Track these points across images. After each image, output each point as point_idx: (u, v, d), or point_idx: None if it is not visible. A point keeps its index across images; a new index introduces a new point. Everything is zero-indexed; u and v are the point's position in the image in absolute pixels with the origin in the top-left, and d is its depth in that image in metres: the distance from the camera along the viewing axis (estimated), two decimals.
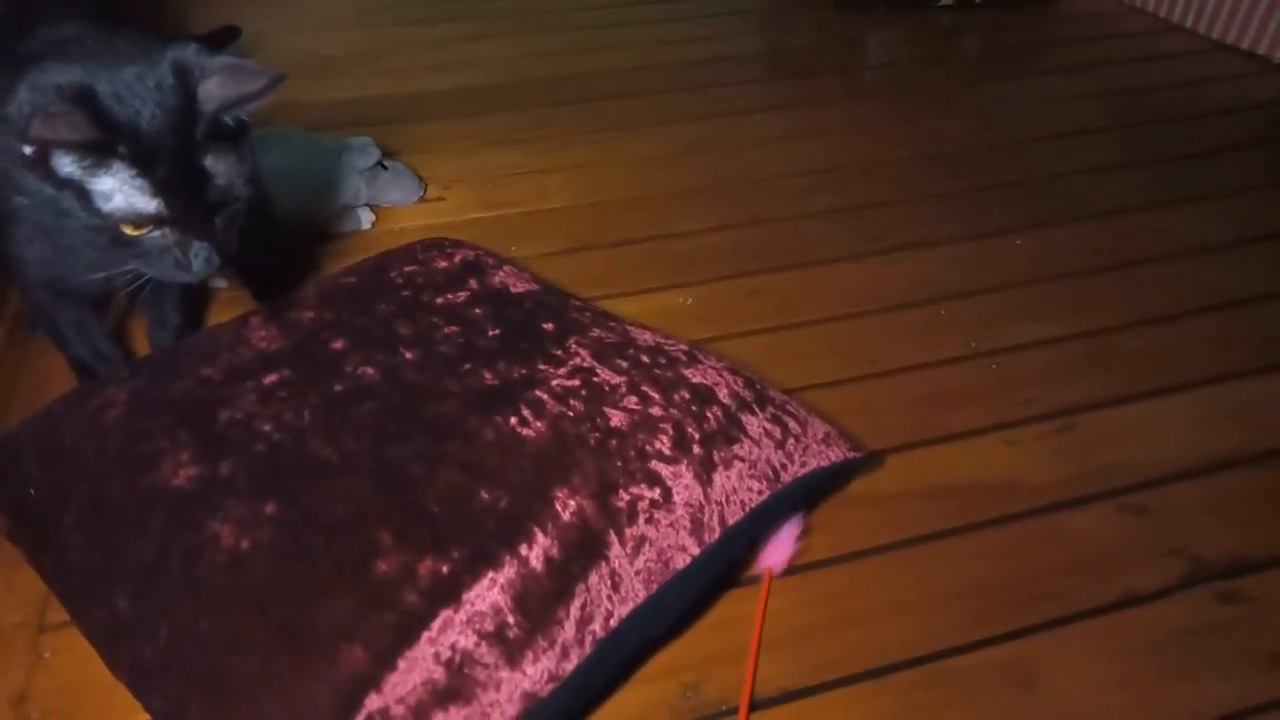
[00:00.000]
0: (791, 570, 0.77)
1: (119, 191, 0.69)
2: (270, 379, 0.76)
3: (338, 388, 0.75)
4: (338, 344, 0.80)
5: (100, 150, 0.68)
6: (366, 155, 1.19)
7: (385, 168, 1.22)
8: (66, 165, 0.69)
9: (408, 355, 0.78)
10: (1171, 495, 0.84)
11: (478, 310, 0.84)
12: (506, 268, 0.92)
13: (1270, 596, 0.75)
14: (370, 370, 0.76)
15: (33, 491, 0.72)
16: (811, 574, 0.77)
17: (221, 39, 0.82)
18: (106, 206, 0.69)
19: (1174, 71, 1.65)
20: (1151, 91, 1.59)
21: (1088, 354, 1.00)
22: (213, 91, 0.71)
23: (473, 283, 0.87)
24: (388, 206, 1.25)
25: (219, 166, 0.72)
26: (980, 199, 1.29)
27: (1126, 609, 0.74)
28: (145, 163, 0.69)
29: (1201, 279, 1.12)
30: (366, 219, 1.21)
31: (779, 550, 0.76)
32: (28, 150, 0.68)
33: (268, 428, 0.72)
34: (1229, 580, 0.76)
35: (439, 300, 0.85)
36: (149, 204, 0.70)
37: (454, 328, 0.81)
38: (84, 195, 0.69)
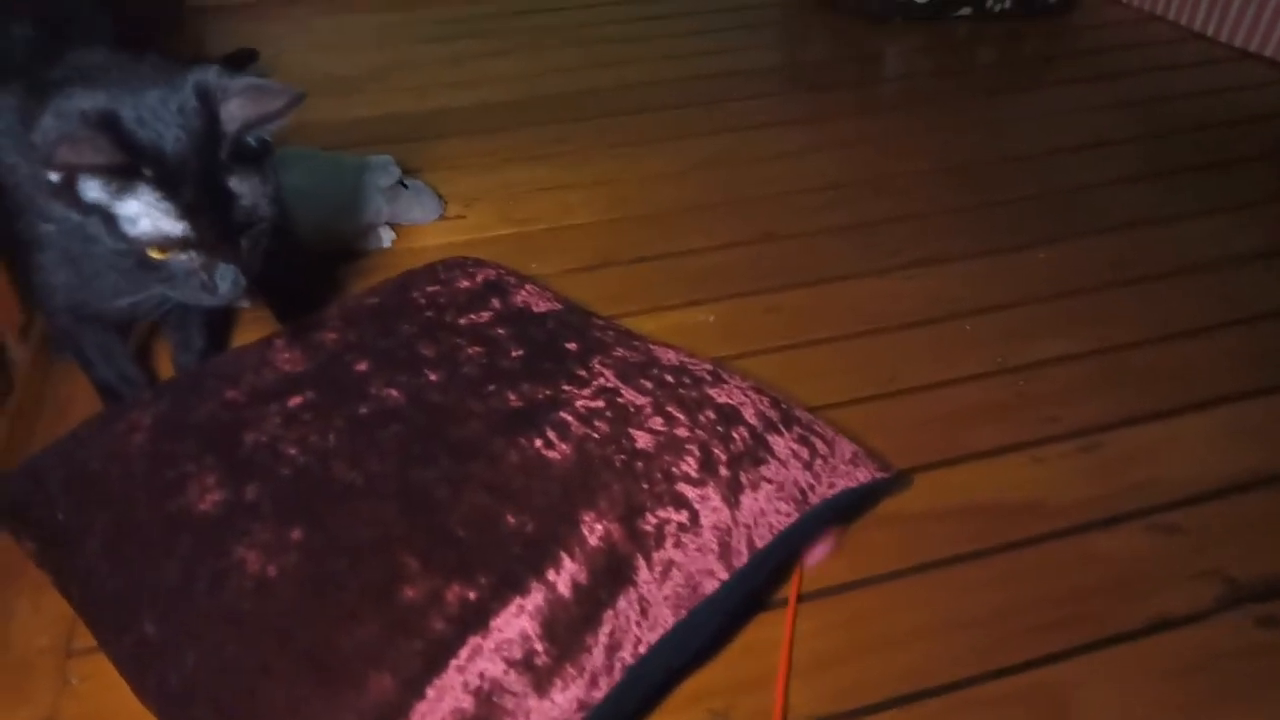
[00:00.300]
0: (816, 594, 0.76)
1: (145, 215, 0.69)
2: (294, 401, 0.76)
3: (362, 410, 0.75)
4: (361, 366, 0.79)
5: (125, 173, 0.68)
6: (387, 174, 1.19)
7: (406, 186, 1.22)
8: (92, 190, 0.69)
9: (432, 377, 0.78)
10: (1202, 515, 0.82)
11: (501, 330, 0.83)
12: (529, 287, 0.91)
13: None
14: (394, 392, 0.76)
15: (60, 516, 0.72)
16: (836, 598, 0.76)
17: (241, 61, 0.83)
18: (133, 231, 0.70)
19: (1195, 80, 1.63)
20: (1172, 101, 1.57)
21: (1111, 370, 0.99)
22: (234, 112, 0.71)
23: (495, 302, 0.87)
24: (409, 225, 1.25)
25: (243, 187, 0.72)
26: (998, 213, 1.27)
27: (1159, 632, 0.73)
28: (170, 185, 0.69)
29: (1224, 293, 1.10)
30: (388, 238, 1.22)
31: (816, 548, 0.75)
32: (54, 176, 0.68)
33: (293, 451, 0.72)
34: (1265, 603, 0.74)
35: (462, 321, 0.84)
36: (175, 226, 0.70)
37: (477, 348, 0.81)
38: (110, 220, 0.69)
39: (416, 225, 1.25)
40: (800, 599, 0.75)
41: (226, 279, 0.73)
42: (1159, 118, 1.51)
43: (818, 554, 0.76)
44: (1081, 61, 1.75)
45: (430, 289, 0.89)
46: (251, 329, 0.99)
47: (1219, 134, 1.46)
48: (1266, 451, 0.88)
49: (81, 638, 0.72)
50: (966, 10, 1.87)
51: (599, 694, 0.61)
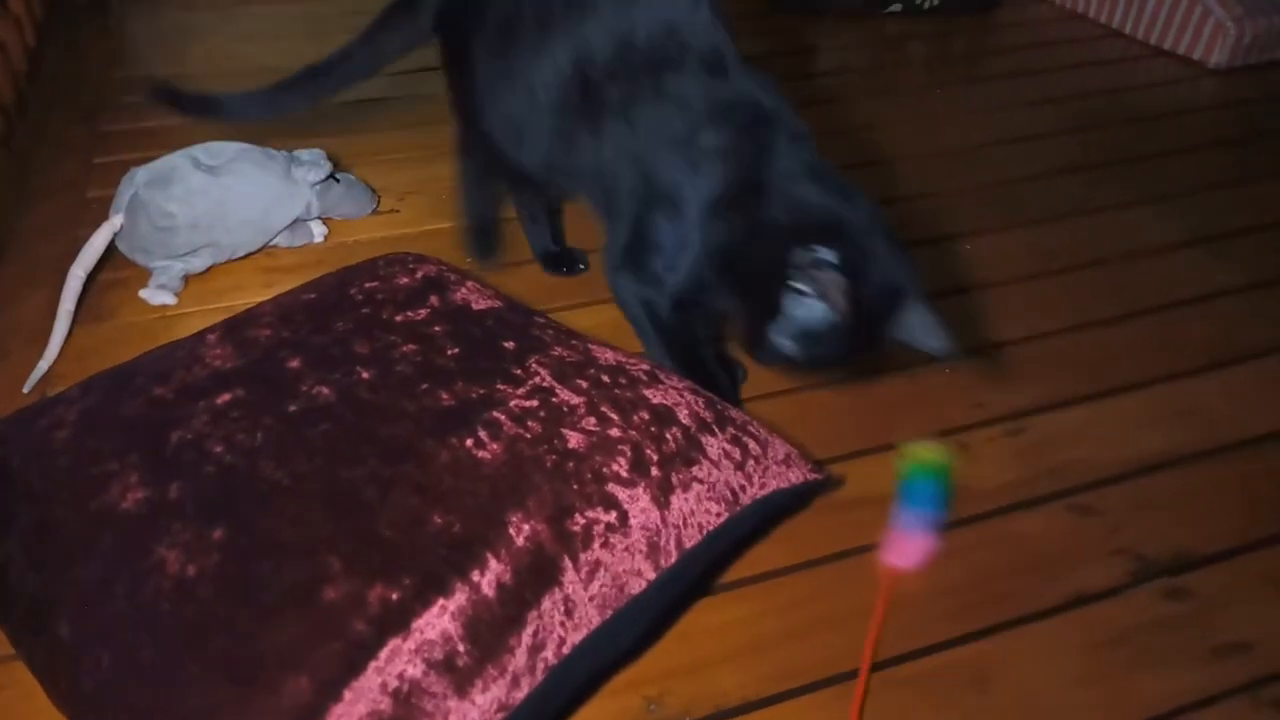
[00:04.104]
0: (751, 580, 0.77)
1: None
2: (223, 399, 0.75)
3: (292, 408, 0.74)
4: (294, 363, 0.78)
5: None
6: (317, 168, 1.17)
7: (337, 180, 1.21)
8: None
9: (364, 375, 0.77)
10: (1117, 495, 0.86)
11: (437, 328, 0.83)
12: (469, 284, 0.91)
13: (1212, 592, 0.77)
14: (325, 390, 0.75)
15: None
16: (769, 583, 0.78)
17: None
18: None
19: (1115, 77, 1.69)
20: (1093, 96, 1.61)
21: (1036, 357, 1.03)
22: None
23: (434, 299, 0.86)
24: (341, 219, 1.24)
25: None
26: (925, 205, 1.29)
27: (1077, 608, 0.76)
28: None
29: (1144, 281, 1.15)
30: (319, 232, 1.20)
31: (909, 549, 0.76)
32: None
33: (219, 449, 0.71)
34: (1174, 577, 0.79)
35: (399, 318, 0.84)
36: None
37: (412, 346, 0.80)
38: None
39: (349, 220, 1.24)
40: (736, 584, 0.77)
41: None
42: (1081, 113, 1.55)
43: (912, 551, 0.77)
44: (1008, 58, 1.78)
45: (369, 285, 0.88)
46: None
47: (1138, 128, 1.51)
48: (1175, 435, 0.92)
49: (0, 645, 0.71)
50: (897, 7, 1.89)
51: (520, 694, 0.61)
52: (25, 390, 0.96)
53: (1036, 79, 1.68)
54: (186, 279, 1.13)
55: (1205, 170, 1.40)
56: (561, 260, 1.16)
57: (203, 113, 1.15)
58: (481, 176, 1.12)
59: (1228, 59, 1.67)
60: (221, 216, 1.10)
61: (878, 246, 0.78)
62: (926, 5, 1.88)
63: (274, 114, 1.14)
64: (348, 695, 0.57)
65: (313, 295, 0.87)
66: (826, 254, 0.74)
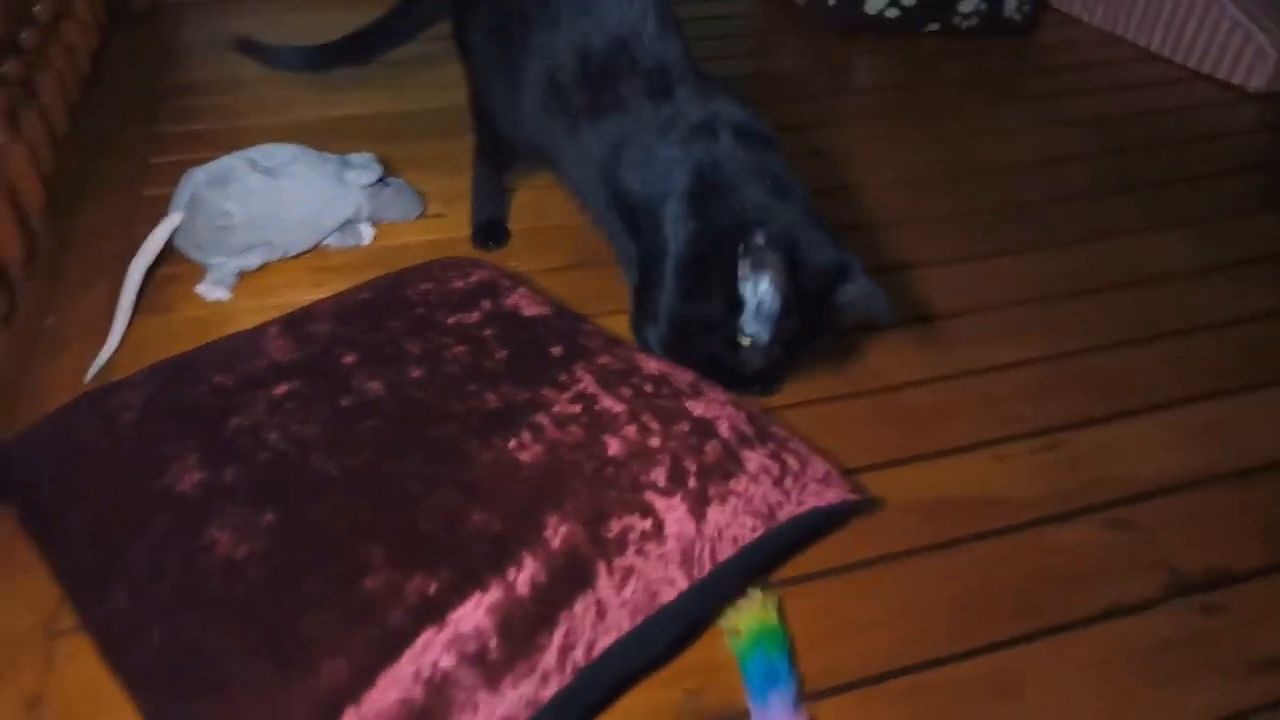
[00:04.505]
0: (786, 582, 0.79)
1: None
2: (281, 389, 0.78)
3: (344, 402, 0.77)
4: (349, 358, 0.81)
5: None
6: (368, 171, 1.20)
7: (387, 184, 1.24)
8: None
9: (414, 373, 0.79)
10: (1152, 511, 0.86)
11: (488, 331, 0.85)
12: (522, 290, 0.93)
13: (1246, 608, 0.78)
14: (376, 385, 0.78)
15: (45, 487, 0.74)
16: (802, 585, 0.79)
17: None
18: None
19: (1152, 99, 1.68)
20: (1130, 119, 1.62)
21: (1070, 374, 1.03)
22: None
23: (486, 303, 0.89)
24: (389, 223, 1.27)
25: None
26: (962, 224, 1.31)
27: (1110, 620, 0.76)
28: None
29: (1177, 303, 1.15)
30: (368, 234, 1.24)
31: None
32: None
33: (274, 437, 0.73)
34: (1208, 593, 0.79)
35: (450, 320, 0.86)
36: None
37: (462, 348, 0.82)
38: None
39: (397, 223, 1.27)
40: (771, 587, 0.78)
41: None
42: (1118, 134, 1.56)
43: None
44: (1045, 79, 1.79)
45: (424, 286, 0.91)
46: None
47: (1174, 151, 1.51)
48: (1211, 452, 0.93)
49: (65, 619, 0.74)
50: (935, 26, 1.89)
51: (549, 693, 0.62)
52: (86, 379, 0.99)
53: (1073, 100, 1.68)
54: (241, 276, 1.16)
55: (1240, 194, 1.40)
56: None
57: (271, 62, 1.47)
58: (492, 180, 1.24)
59: (1267, 83, 1.66)
60: (276, 216, 1.14)
61: (810, 232, 0.85)
62: (964, 25, 1.89)
63: (324, 68, 1.43)
64: (382, 681, 0.59)
65: (369, 295, 0.90)
66: (760, 238, 0.80)
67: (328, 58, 1.41)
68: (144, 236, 1.10)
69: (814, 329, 0.86)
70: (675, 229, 0.88)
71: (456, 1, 1.11)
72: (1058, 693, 0.71)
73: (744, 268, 0.82)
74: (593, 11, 0.93)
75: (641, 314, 0.96)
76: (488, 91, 1.09)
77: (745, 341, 0.85)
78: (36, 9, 1.33)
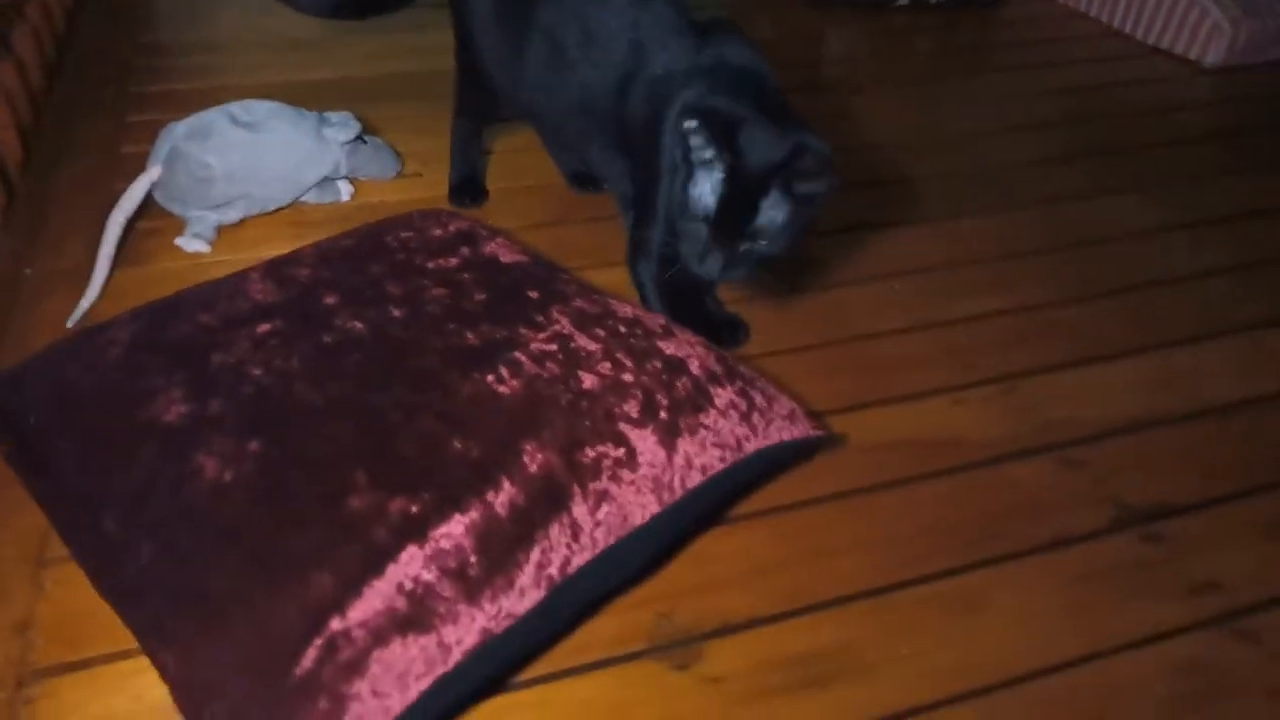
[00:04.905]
0: (759, 513, 0.83)
1: None
2: (263, 328, 0.80)
3: (326, 339, 0.79)
4: (330, 299, 0.83)
5: None
6: (347, 128, 1.22)
7: (365, 142, 1.26)
8: None
9: (395, 313, 0.82)
10: (1103, 450, 0.92)
11: (467, 276, 0.87)
12: (499, 239, 0.95)
13: (1187, 537, 0.84)
14: (359, 324, 0.80)
15: (33, 420, 0.76)
16: (773, 517, 0.83)
17: None
18: None
19: (1113, 72, 1.75)
20: (1092, 91, 1.68)
21: (1029, 326, 1.09)
22: None
23: (465, 250, 0.91)
24: (366, 180, 1.29)
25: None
26: (929, 186, 1.36)
27: (1063, 548, 0.82)
28: None
29: (1133, 261, 1.22)
30: (346, 191, 1.25)
31: None
32: None
33: (257, 372, 0.76)
34: (1151, 523, 0.85)
35: (430, 264, 0.88)
36: None
37: (442, 290, 0.85)
38: None
39: (374, 180, 1.29)
40: (744, 518, 0.83)
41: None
42: (1080, 105, 1.62)
43: None
44: (1011, 52, 1.85)
45: (404, 234, 0.93)
46: None
47: (1134, 122, 1.58)
48: (1164, 398, 0.99)
49: (54, 548, 0.76)
50: (904, 1, 1.94)
51: (525, 605, 0.65)
52: (69, 325, 1.00)
53: (1036, 73, 1.74)
54: (219, 229, 1.17)
55: (1195, 161, 1.47)
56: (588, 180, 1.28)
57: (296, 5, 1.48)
58: (472, 138, 1.27)
59: (1223, 58, 1.73)
60: (256, 170, 1.15)
61: (771, 123, 0.86)
62: (933, 1, 1.94)
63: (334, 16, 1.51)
64: (367, 592, 0.62)
65: (350, 241, 0.92)
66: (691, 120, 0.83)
67: (345, 7, 1.48)
68: (122, 192, 1.12)
69: (780, 221, 0.86)
70: (668, 155, 0.91)
71: None
72: (1014, 610, 0.76)
73: (690, 141, 0.84)
74: None
75: (635, 251, 1.01)
76: (481, 47, 1.12)
77: (691, 225, 0.87)
78: None
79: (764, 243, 0.87)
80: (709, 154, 0.84)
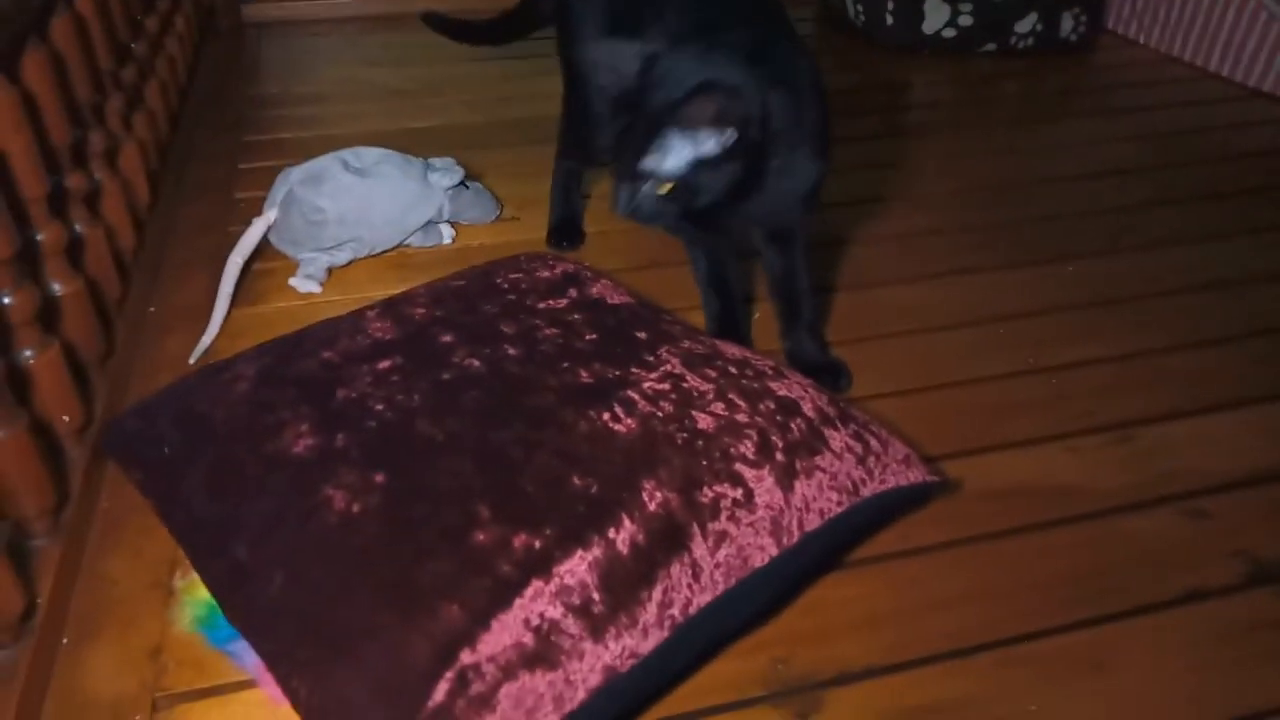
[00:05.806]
0: (870, 560, 0.82)
1: None
2: (384, 364, 0.82)
3: (445, 376, 0.81)
4: (446, 337, 0.85)
5: None
6: (450, 174, 1.27)
7: (467, 187, 1.30)
8: None
9: (511, 351, 0.83)
10: (1229, 502, 0.88)
11: (576, 316, 0.89)
12: (604, 281, 0.97)
13: None
14: (475, 362, 0.82)
15: (166, 450, 0.79)
16: (886, 564, 0.82)
17: None
18: None
19: (1212, 116, 1.71)
20: (1191, 134, 1.64)
21: (1140, 372, 1.06)
22: None
23: (572, 291, 0.93)
24: (468, 224, 1.33)
25: None
26: (1024, 230, 1.35)
27: (1193, 604, 0.78)
28: None
29: (1245, 307, 1.18)
30: (449, 234, 1.29)
31: None
32: None
33: (380, 407, 0.77)
34: None
35: (540, 305, 0.90)
36: None
37: (554, 330, 0.86)
38: None
39: (475, 224, 1.33)
40: (857, 564, 0.81)
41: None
42: (1177, 150, 1.59)
43: None
44: (1101, 96, 1.83)
45: (513, 275, 0.95)
46: None
47: (1233, 166, 1.54)
48: None
49: (181, 577, 0.78)
50: (991, 46, 1.93)
51: (649, 645, 0.65)
52: (190, 362, 1.05)
53: (1130, 116, 1.72)
54: (330, 271, 1.22)
55: None
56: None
57: (449, 34, 1.67)
58: (573, 177, 1.29)
59: None
60: (366, 214, 1.20)
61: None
62: (1020, 46, 1.93)
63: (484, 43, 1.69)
64: (495, 625, 0.62)
65: (462, 282, 0.94)
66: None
67: (483, 35, 1.63)
68: (236, 234, 1.17)
69: (676, 167, 0.83)
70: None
71: (563, 6, 1.16)
72: (1140, 669, 0.73)
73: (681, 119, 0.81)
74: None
75: None
76: (595, 90, 1.11)
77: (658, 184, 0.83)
78: (147, 21, 1.41)
79: (669, 189, 0.83)
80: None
